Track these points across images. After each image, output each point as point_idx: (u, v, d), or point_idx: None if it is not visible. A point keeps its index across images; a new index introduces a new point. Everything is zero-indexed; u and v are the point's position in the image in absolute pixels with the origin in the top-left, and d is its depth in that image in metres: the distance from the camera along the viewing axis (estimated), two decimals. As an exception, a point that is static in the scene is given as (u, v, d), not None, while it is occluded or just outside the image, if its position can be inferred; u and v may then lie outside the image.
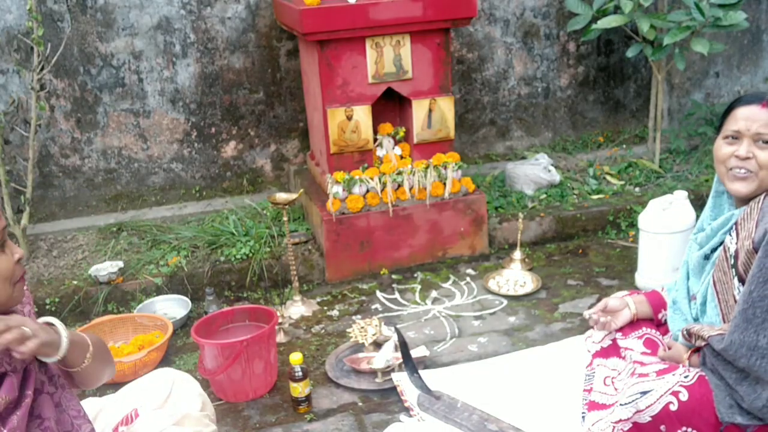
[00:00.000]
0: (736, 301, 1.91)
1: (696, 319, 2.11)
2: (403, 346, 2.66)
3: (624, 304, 2.27)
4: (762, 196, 1.94)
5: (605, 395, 2.24)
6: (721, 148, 2.02)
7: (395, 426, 2.35)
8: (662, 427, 1.89)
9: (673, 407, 1.88)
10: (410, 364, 2.63)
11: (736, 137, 1.99)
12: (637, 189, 4.10)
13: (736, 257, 1.93)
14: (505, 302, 3.29)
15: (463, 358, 2.89)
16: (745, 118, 1.98)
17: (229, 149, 4.20)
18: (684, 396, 1.89)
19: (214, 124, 4.14)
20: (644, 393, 1.91)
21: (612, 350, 2.29)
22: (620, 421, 1.92)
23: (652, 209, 3.26)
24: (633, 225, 3.80)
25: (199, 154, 4.17)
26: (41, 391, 1.47)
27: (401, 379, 2.67)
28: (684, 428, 1.89)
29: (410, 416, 2.50)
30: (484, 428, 2.36)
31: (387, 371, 2.72)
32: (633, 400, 1.91)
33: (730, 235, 1.98)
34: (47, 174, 3.99)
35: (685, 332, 2.05)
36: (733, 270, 1.94)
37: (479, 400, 2.54)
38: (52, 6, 3.76)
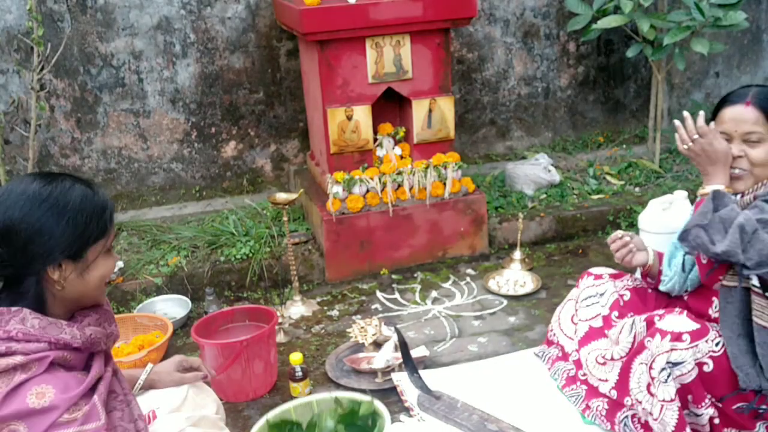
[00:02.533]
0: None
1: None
2: (403, 346, 2.66)
3: (645, 248, 2.32)
4: (759, 185, 2.03)
5: (600, 381, 2.29)
6: None
7: (395, 426, 2.34)
8: (689, 397, 1.99)
9: (706, 370, 1.98)
10: (410, 364, 2.63)
11: (727, 139, 2.04)
12: (637, 189, 4.10)
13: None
14: (505, 302, 3.29)
15: (463, 358, 2.89)
16: (732, 119, 2.03)
17: (229, 149, 4.20)
18: (708, 368, 1.97)
19: (214, 124, 4.14)
20: (676, 364, 1.97)
21: (596, 333, 2.34)
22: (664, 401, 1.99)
23: (652, 209, 3.26)
24: (633, 225, 3.80)
25: (199, 154, 4.17)
26: (113, 371, 1.66)
27: (401, 379, 2.67)
28: (707, 398, 1.99)
29: (410, 416, 2.50)
30: (484, 428, 2.36)
31: (387, 371, 2.72)
32: (667, 374, 1.97)
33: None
34: (47, 174, 3.98)
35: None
36: None
37: (479, 400, 2.54)
38: (52, 6, 3.76)
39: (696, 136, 2.07)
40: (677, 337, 1.99)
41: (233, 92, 4.11)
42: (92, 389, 1.50)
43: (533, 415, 2.45)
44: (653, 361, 2.01)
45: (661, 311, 2.18)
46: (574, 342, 2.49)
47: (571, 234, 3.87)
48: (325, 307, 3.34)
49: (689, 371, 1.97)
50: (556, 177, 4.11)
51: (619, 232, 2.33)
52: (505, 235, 3.80)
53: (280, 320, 3.12)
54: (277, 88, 4.17)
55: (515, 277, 3.42)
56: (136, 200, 4.14)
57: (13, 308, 1.47)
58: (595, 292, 2.48)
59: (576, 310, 2.54)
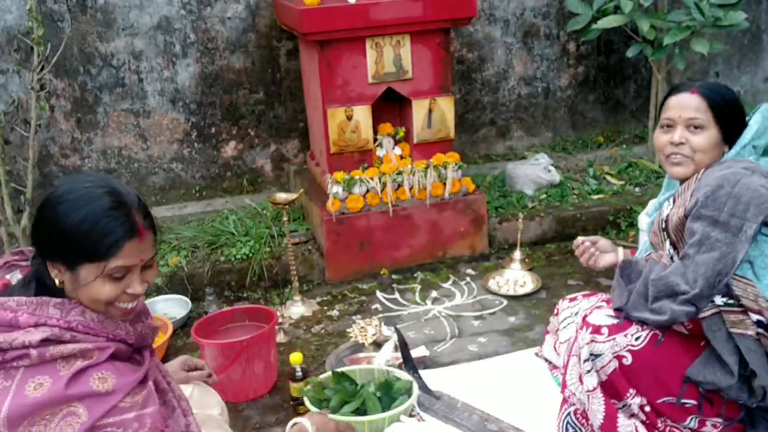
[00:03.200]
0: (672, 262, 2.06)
1: None
2: (403, 346, 2.66)
3: (614, 249, 2.37)
4: (701, 171, 2.06)
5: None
6: (659, 137, 2.14)
7: (395, 426, 2.35)
8: (617, 388, 2.06)
9: (626, 363, 2.03)
10: (410, 364, 2.63)
11: (671, 125, 2.11)
12: (637, 189, 4.10)
13: (667, 221, 2.08)
14: (505, 302, 3.29)
15: (463, 358, 2.89)
16: (677, 105, 2.09)
17: (229, 149, 4.20)
18: (627, 360, 2.02)
19: (214, 124, 4.14)
20: (596, 356, 2.05)
21: None
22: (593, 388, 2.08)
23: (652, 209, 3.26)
24: (633, 225, 3.80)
25: (199, 154, 4.17)
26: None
27: (401, 379, 2.68)
28: (630, 390, 2.05)
29: (410, 416, 2.50)
30: (484, 428, 2.36)
31: (387, 371, 2.72)
32: (590, 366, 2.06)
33: (668, 202, 2.13)
34: (47, 174, 3.99)
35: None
36: (665, 233, 2.10)
37: (479, 400, 2.54)
38: (52, 6, 3.76)
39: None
40: (597, 330, 2.06)
41: (233, 92, 4.11)
42: (145, 377, 1.56)
43: (533, 415, 2.45)
44: (579, 352, 2.10)
45: (600, 304, 2.24)
46: (561, 365, 2.51)
47: (571, 234, 3.86)
48: (325, 307, 3.34)
49: (607, 363, 2.04)
50: (556, 177, 4.11)
51: (580, 238, 2.38)
52: (505, 235, 3.80)
53: (280, 320, 3.12)
54: (277, 88, 4.17)
55: (515, 277, 3.42)
56: (136, 200, 4.13)
57: (73, 300, 1.51)
58: (570, 313, 2.50)
59: (557, 338, 2.56)
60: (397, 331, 2.75)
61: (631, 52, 4.11)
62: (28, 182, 3.56)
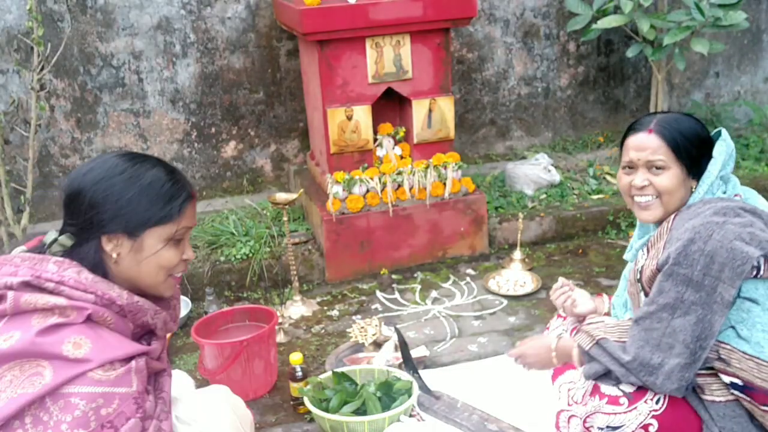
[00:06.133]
0: None
1: None
2: (403, 346, 2.66)
3: (590, 300, 2.28)
4: (672, 217, 1.94)
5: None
6: (621, 178, 2.02)
7: (395, 426, 2.35)
8: None
9: (652, 431, 1.89)
10: (410, 364, 2.63)
11: (632, 167, 1.98)
12: (637, 189, 4.10)
13: (641, 272, 1.96)
14: (505, 302, 3.29)
15: (463, 358, 2.89)
16: (635, 147, 1.96)
17: (229, 149, 4.20)
18: (654, 428, 1.89)
19: (214, 124, 4.14)
20: (615, 428, 1.90)
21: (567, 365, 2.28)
22: None
23: (652, 209, 3.25)
24: (633, 225, 3.80)
25: (199, 154, 4.17)
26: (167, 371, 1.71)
27: (401, 379, 2.68)
28: None
29: (410, 416, 2.50)
30: (484, 428, 2.36)
31: (387, 371, 2.72)
32: None
33: (643, 251, 2.00)
34: (47, 174, 3.99)
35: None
36: (639, 284, 1.98)
37: (479, 400, 2.54)
38: (52, 6, 3.76)
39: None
40: (614, 400, 1.92)
41: (233, 92, 4.11)
42: (132, 357, 1.50)
43: (533, 415, 2.45)
44: (588, 416, 1.95)
45: None
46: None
47: (571, 234, 3.87)
48: (325, 307, 3.34)
49: None
50: (556, 177, 4.11)
51: (561, 281, 2.29)
52: (505, 235, 3.80)
53: (280, 320, 3.12)
54: (277, 88, 4.17)
55: (515, 277, 3.42)
56: (136, 200, 4.13)
57: (74, 262, 1.51)
58: (562, 330, 2.47)
59: None
60: (397, 331, 2.75)
61: (631, 52, 4.11)
62: (28, 182, 3.56)
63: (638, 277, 1.98)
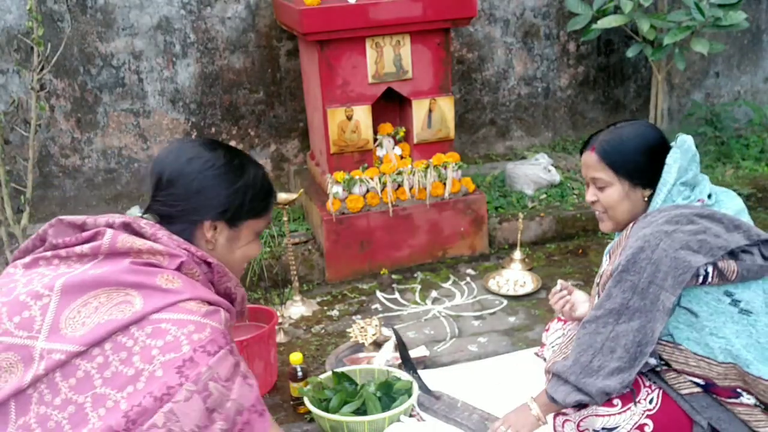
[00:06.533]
0: None
1: None
2: (402, 347, 2.67)
3: (587, 300, 2.27)
4: (631, 225, 1.97)
5: None
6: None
7: (395, 426, 2.35)
8: None
9: (647, 430, 1.91)
10: (409, 365, 2.63)
11: (587, 183, 2.06)
12: (637, 189, 4.10)
13: (601, 277, 2.00)
14: (505, 302, 3.29)
15: (463, 358, 2.89)
16: (583, 164, 2.05)
17: (229, 149, 4.20)
18: (649, 428, 1.91)
19: (214, 124, 4.14)
20: (611, 430, 1.91)
21: None
22: None
23: (652, 209, 3.26)
24: (633, 225, 3.80)
25: (199, 154, 4.16)
26: None
27: (401, 379, 2.67)
28: None
29: (410, 416, 2.50)
30: (485, 427, 2.36)
31: (387, 371, 2.72)
32: None
33: (607, 257, 2.06)
34: (47, 174, 3.99)
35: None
36: (598, 288, 2.02)
37: (479, 400, 2.54)
38: (52, 6, 3.76)
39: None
40: (608, 402, 1.92)
41: (233, 92, 4.11)
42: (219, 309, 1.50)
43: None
44: (581, 420, 1.96)
45: None
46: None
47: (571, 234, 3.87)
48: (325, 307, 3.34)
49: None
50: (556, 177, 4.11)
51: (559, 285, 2.30)
52: (505, 235, 3.80)
53: (280, 320, 3.12)
54: (277, 88, 4.17)
55: (515, 277, 3.42)
56: (136, 200, 4.13)
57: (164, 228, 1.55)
58: (561, 334, 2.47)
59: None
60: (395, 331, 2.76)
61: (631, 52, 4.11)
62: (28, 182, 3.56)
63: (598, 281, 2.03)
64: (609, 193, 1.99)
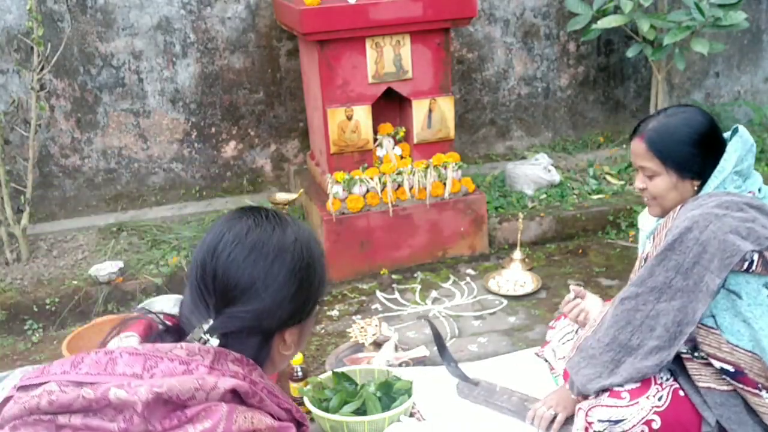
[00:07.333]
0: None
1: None
2: (438, 338, 2.71)
3: (600, 301, 2.30)
4: (678, 208, 1.97)
5: None
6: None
7: (395, 426, 2.35)
8: None
9: (655, 427, 1.91)
10: (447, 354, 2.67)
11: (636, 169, 2.07)
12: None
13: (646, 260, 1.99)
14: (505, 302, 3.29)
15: (463, 358, 2.88)
16: (632, 152, 2.06)
17: (229, 149, 4.20)
18: (657, 424, 1.91)
19: (214, 124, 4.14)
20: (617, 422, 1.92)
21: None
22: None
23: (652, 209, 3.25)
24: (633, 225, 3.80)
25: (199, 154, 4.17)
26: None
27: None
28: None
29: (410, 416, 2.50)
30: (525, 409, 2.38)
31: (387, 371, 2.73)
32: (604, 429, 1.92)
33: (650, 239, 2.05)
34: (47, 174, 3.99)
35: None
36: None
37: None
38: (52, 6, 3.76)
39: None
40: (616, 394, 1.94)
41: (233, 92, 4.11)
42: None
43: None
44: (590, 409, 1.97)
45: None
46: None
47: (571, 234, 3.87)
48: (325, 307, 3.34)
49: (631, 428, 1.91)
50: (556, 177, 4.11)
51: (572, 294, 2.31)
52: (505, 235, 3.80)
53: (280, 320, 3.11)
54: (277, 88, 4.17)
55: (515, 277, 3.42)
56: (136, 200, 4.14)
57: (249, 360, 1.21)
58: (571, 329, 2.48)
59: (554, 352, 2.56)
60: (429, 322, 2.80)
61: (631, 52, 4.11)
62: (28, 182, 3.56)
63: (642, 264, 2.02)
64: (657, 183, 1.99)
